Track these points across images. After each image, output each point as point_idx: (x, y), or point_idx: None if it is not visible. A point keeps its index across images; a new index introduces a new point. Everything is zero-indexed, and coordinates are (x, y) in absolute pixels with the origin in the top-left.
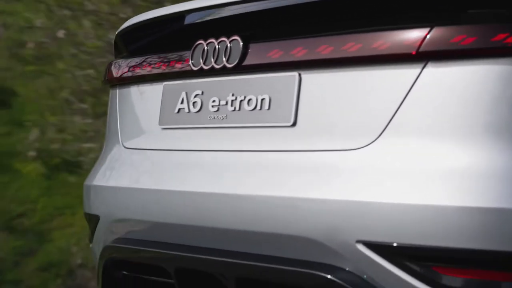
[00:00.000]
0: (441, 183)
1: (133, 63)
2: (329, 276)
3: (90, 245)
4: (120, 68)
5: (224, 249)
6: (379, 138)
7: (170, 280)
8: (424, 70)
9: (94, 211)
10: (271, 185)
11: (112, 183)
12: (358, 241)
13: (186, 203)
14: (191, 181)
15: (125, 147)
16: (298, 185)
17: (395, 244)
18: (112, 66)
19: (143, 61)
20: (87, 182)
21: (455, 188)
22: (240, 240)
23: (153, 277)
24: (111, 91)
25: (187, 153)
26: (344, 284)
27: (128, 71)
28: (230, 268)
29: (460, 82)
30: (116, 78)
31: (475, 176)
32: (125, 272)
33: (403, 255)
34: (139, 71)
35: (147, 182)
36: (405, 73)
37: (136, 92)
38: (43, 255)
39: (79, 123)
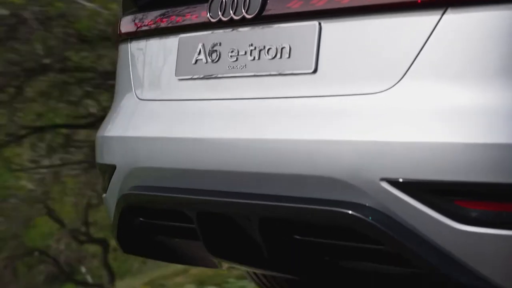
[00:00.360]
0: (461, 123)
1: (144, 17)
2: (350, 212)
3: (104, 195)
4: (131, 22)
5: (248, 192)
6: (401, 81)
7: (191, 225)
8: (444, 16)
9: (110, 161)
10: (295, 129)
11: (129, 133)
12: (382, 179)
13: (208, 150)
14: (213, 128)
15: (139, 98)
16: (322, 128)
17: (418, 181)
18: (122, 21)
19: (156, 15)
20: (100, 133)
21: (475, 126)
22: (264, 183)
23: (172, 223)
24: (120, 46)
25: (206, 102)
26: (367, 219)
27: (140, 25)
28: (254, 209)
29: (478, 28)
30: (127, 33)
31: (493, 115)
32: (142, 219)
33: (426, 190)
34: (152, 25)
35: (165, 131)
36: (425, 20)
37: (149, 45)
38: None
39: None
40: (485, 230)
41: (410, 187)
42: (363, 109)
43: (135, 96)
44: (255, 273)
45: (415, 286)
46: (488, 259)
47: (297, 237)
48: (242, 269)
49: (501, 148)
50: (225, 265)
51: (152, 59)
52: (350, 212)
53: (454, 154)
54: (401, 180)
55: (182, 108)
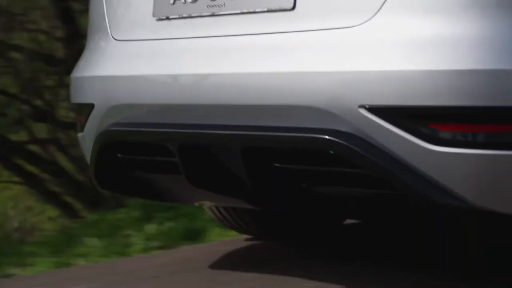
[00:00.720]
0: (433, 52)
1: None
2: (330, 137)
3: (80, 135)
4: None
5: (231, 124)
6: (377, 15)
7: (172, 159)
8: None
9: (87, 100)
10: (276, 63)
11: (107, 72)
12: (360, 106)
13: (188, 85)
14: (193, 64)
15: (115, 39)
16: (302, 60)
17: (394, 106)
18: None
19: None
20: (75, 74)
21: (445, 54)
22: (247, 115)
23: (152, 158)
24: None
25: (185, 40)
26: (346, 143)
27: None
28: (237, 139)
29: None
30: None
31: (461, 44)
32: (121, 156)
33: (402, 115)
34: None
35: (145, 69)
36: None
37: None
38: None
39: None
40: (457, 150)
41: (387, 112)
42: (341, 42)
43: (111, 37)
44: (218, 210)
45: (391, 207)
46: (461, 178)
47: (277, 164)
48: (215, 203)
49: (469, 74)
50: (201, 201)
51: (127, 0)
52: (330, 137)
53: (426, 80)
54: (378, 106)
55: (160, 47)
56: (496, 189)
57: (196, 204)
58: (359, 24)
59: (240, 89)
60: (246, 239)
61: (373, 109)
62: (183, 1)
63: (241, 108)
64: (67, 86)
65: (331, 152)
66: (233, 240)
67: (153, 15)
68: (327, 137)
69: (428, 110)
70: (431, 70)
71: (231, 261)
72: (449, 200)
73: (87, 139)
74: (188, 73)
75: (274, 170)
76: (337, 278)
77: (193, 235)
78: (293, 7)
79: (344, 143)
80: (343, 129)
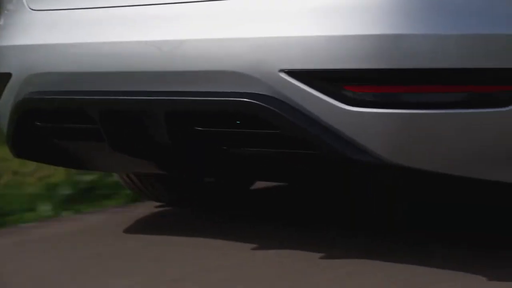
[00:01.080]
0: (345, 17)
1: None
2: (253, 101)
3: None
4: None
5: (154, 90)
6: None
7: (93, 126)
8: None
9: (4, 69)
10: (199, 29)
11: (24, 41)
12: (281, 70)
13: (107, 52)
14: (112, 32)
15: (32, 9)
16: (224, 26)
17: (312, 70)
18: None
19: None
20: None
21: (357, 20)
22: (171, 80)
23: (72, 125)
24: None
25: (103, 9)
26: (267, 106)
27: None
28: (159, 104)
29: None
30: None
31: (373, 10)
32: (40, 124)
33: (319, 78)
34: None
35: (62, 37)
36: None
37: None
38: None
39: None
40: (370, 110)
41: (305, 76)
42: (260, 8)
43: (27, 6)
44: (129, 177)
45: (311, 166)
46: (375, 136)
47: (199, 128)
48: (138, 171)
49: (376, 39)
50: (122, 168)
51: None
52: (252, 100)
53: (339, 45)
54: (296, 70)
55: (77, 16)
56: (406, 145)
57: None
58: None
59: (164, 55)
60: (156, 206)
61: (292, 73)
62: None
63: (165, 74)
64: None
65: (254, 114)
66: (140, 206)
67: None
68: (249, 100)
69: (343, 73)
70: (343, 35)
71: (141, 227)
72: (364, 157)
73: (3, 108)
74: (106, 41)
75: (197, 134)
76: (259, 239)
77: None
78: None
79: (266, 105)
80: (264, 93)
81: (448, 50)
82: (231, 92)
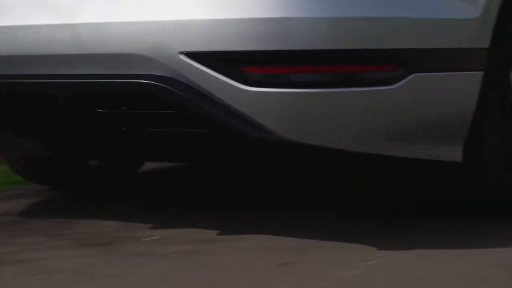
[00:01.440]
0: (240, 1)
1: None
2: (155, 82)
3: None
4: None
5: (57, 73)
6: None
7: None
8: None
9: None
10: (101, 13)
11: None
12: (181, 52)
13: (16, 35)
14: (20, 16)
15: None
16: (124, 10)
17: (211, 52)
18: None
19: None
20: None
21: (249, 4)
22: (75, 63)
23: None
24: None
25: None
26: (168, 87)
27: None
28: (61, 86)
29: None
30: None
31: None
32: None
33: (218, 60)
34: None
35: None
36: None
37: None
38: None
39: None
40: (267, 90)
41: (204, 58)
42: None
43: None
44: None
45: (213, 144)
46: (272, 115)
47: (101, 110)
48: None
49: (270, 21)
50: (19, 150)
51: None
52: (153, 82)
53: (235, 27)
54: (196, 52)
55: None
56: (301, 123)
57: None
58: None
59: (68, 39)
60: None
61: (192, 55)
62: None
63: (70, 57)
64: None
65: (155, 96)
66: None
67: None
68: (149, 82)
69: (240, 54)
70: (239, 18)
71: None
72: (263, 135)
73: None
74: (11, 25)
75: (98, 116)
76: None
77: None
78: None
79: (166, 86)
80: (165, 74)
81: (335, 31)
82: (132, 74)
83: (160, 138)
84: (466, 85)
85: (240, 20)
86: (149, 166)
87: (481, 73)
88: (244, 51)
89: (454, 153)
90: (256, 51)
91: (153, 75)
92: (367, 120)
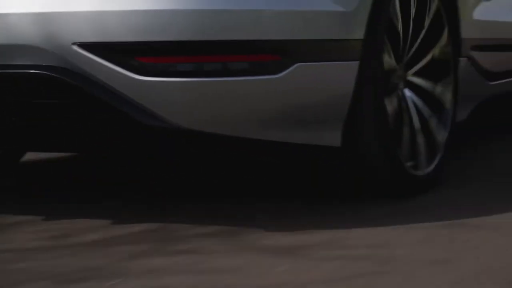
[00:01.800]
0: None
1: None
2: (48, 73)
3: None
4: None
5: None
6: None
7: None
8: None
9: None
10: None
11: None
12: (74, 43)
13: None
14: None
15: None
16: (18, 2)
17: (103, 42)
18: None
19: None
20: None
21: None
22: None
23: None
24: None
25: None
26: (63, 77)
27: None
28: None
29: None
30: None
31: None
32: None
33: (111, 50)
34: None
35: None
36: None
37: None
38: None
39: None
40: (158, 79)
41: (98, 48)
42: None
43: None
44: None
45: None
46: (164, 103)
47: None
48: None
49: (157, 13)
50: None
51: None
52: (48, 73)
53: (126, 19)
54: (89, 43)
55: None
56: (192, 111)
57: None
58: None
59: None
60: None
61: (85, 46)
62: None
63: None
64: None
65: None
66: None
67: None
68: (44, 72)
69: (131, 45)
70: (128, 10)
71: None
72: (157, 123)
73: None
74: None
75: None
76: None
77: None
78: None
79: (60, 77)
80: (60, 65)
81: (219, 23)
82: (26, 64)
83: (53, 127)
84: (343, 75)
85: (130, 12)
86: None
87: (357, 63)
88: (134, 41)
89: (334, 139)
90: (146, 41)
91: (46, 65)
92: (254, 108)
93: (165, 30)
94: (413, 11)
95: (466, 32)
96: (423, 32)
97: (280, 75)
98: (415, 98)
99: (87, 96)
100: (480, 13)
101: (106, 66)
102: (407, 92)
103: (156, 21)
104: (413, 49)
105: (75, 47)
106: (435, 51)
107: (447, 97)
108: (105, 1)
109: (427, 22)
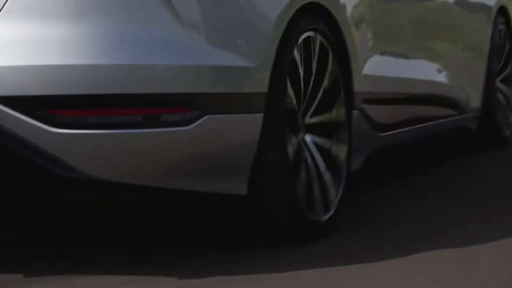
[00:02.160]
0: (45, 48)
1: None
2: None
3: None
4: None
5: None
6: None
7: None
8: None
9: None
10: None
11: None
12: None
13: None
14: None
15: None
16: None
17: (19, 96)
18: None
19: None
20: None
21: (54, 51)
22: None
23: None
24: None
25: None
26: None
27: None
28: None
29: None
30: None
31: (60, 42)
32: None
33: (27, 104)
34: None
35: None
36: None
37: None
38: None
39: None
40: (73, 131)
41: (13, 102)
42: None
43: None
44: None
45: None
46: (77, 155)
47: None
48: None
49: (70, 68)
50: None
51: None
52: None
53: (41, 73)
54: (4, 96)
55: None
56: (102, 162)
57: None
58: None
59: None
60: None
61: (0, 99)
62: None
63: None
64: None
65: None
66: None
67: None
68: None
69: (45, 98)
70: (43, 64)
71: None
72: (70, 173)
73: None
74: None
75: None
76: None
77: None
78: None
79: None
80: None
81: (128, 77)
82: None
83: None
84: (249, 126)
85: (45, 67)
86: None
87: (261, 115)
88: (48, 95)
89: (240, 188)
90: (59, 95)
91: None
92: (164, 158)
93: (77, 84)
94: (314, 67)
95: (358, 86)
96: (321, 89)
97: (190, 126)
98: (314, 153)
99: (3, 150)
100: (370, 68)
101: (22, 120)
102: (308, 143)
103: (68, 75)
104: (314, 105)
105: None
106: (333, 109)
107: (343, 152)
108: (18, 56)
109: (326, 80)
